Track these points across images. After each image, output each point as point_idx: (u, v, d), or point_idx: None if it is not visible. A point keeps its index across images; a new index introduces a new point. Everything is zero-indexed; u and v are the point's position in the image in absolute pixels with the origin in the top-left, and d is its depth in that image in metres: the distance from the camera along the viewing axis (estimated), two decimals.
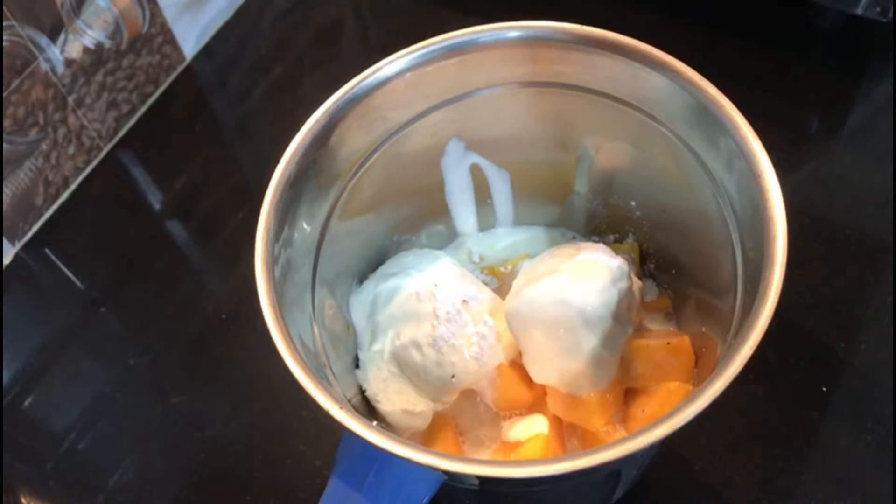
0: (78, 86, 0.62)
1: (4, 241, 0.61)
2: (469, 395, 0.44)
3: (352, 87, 0.40)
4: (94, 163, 0.66)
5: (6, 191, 0.59)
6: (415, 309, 0.43)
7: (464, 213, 0.50)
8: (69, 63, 0.61)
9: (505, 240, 0.51)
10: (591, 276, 0.39)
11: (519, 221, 0.51)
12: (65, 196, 0.64)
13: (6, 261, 0.61)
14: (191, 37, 0.71)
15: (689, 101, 0.37)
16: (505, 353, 0.43)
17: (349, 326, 0.46)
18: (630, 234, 0.49)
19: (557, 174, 0.48)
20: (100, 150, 0.66)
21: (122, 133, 0.68)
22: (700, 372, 0.41)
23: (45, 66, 0.59)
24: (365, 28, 0.75)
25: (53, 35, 0.59)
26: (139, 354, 0.56)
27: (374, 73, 0.40)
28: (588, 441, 0.42)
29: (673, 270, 0.46)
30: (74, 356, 0.57)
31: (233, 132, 0.70)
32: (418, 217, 0.49)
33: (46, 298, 0.61)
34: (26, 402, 0.55)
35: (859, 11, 0.61)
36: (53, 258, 0.62)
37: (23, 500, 0.51)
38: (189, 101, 0.70)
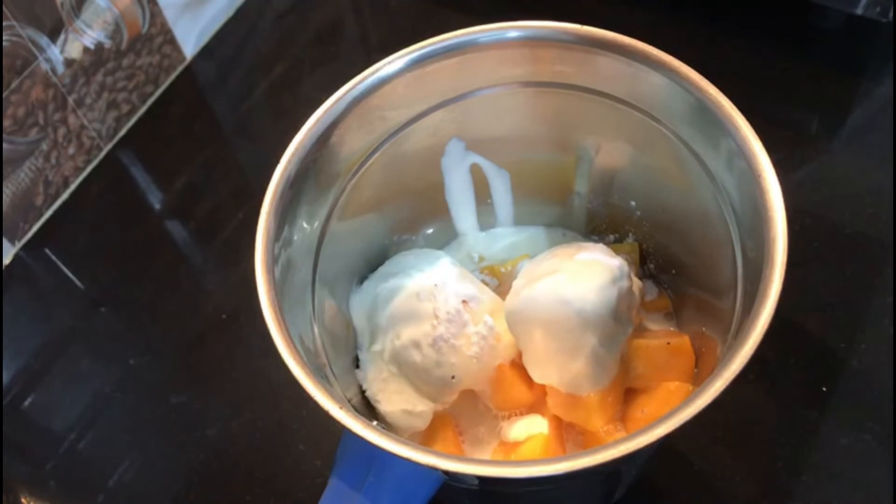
0: (78, 86, 0.62)
1: (4, 241, 0.61)
2: (469, 395, 0.44)
3: (352, 87, 0.40)
4: (94, 163, 0.66)
5: (6, 191, 0.59)
6: (415, 309, 0.43)
7: (464, 213, 0.50)
8: (69, 63, 0.61)
9: (505, 240, 0.51)
10: (591, 276, 0.39)
11: (519, 221, 0.51)
12: (65, 196, 0.64)
13: (6, 261, 0.61)
14: (191, 37, 0.71)
15: (689, 101, 0.37)
16: (505, 353, 0.43)
17: (349, 326, 0.46)
18: (630, 234, 0.49)
19: (557, 174, 0.48)
20: (100, 150, 0.66)
21: (122, 133, 0.68)
22: (700, 372, 0.41)
23: (45, 66, 0.59)
24: (365, 28, 0.75)
25: (53, 35, 0.59)
26: (139, 354, 0.56)
27: (374, 73, 0.40)
28: (588, 441, 0.42)
29: (673, 270, 0.46)
30: (74, 356, 0.57)
31: (233, 132, 0.70)
32: (418, 217, 0.49)
33: (46, 298, 0.61)
34: (26, 402, 0.55)
35: (859, 11, 0.61)
36: (53, 258, 0.62)
37: (23, 500, 0.51)
38: (189, 101, 0.70)
